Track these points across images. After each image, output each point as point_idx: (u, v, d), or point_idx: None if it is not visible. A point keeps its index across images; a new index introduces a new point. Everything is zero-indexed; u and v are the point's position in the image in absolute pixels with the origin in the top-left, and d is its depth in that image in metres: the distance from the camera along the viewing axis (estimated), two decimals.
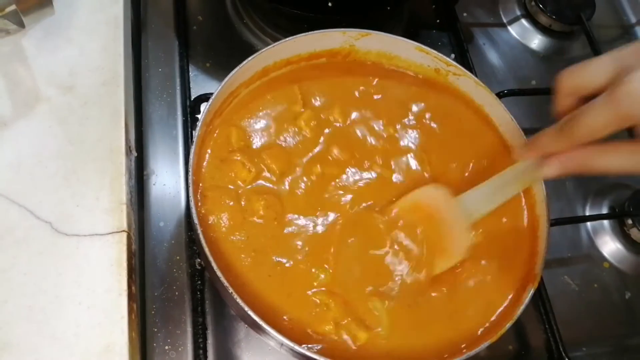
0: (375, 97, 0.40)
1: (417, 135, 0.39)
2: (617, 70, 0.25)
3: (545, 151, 0.28)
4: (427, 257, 0.32)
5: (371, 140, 0.38)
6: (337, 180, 0.36)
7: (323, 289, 0.33)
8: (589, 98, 0.26)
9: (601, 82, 0.25)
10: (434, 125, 0.40)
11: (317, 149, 0.37)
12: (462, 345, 0.32)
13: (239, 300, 0.29)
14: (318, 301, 0.32)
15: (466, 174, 0.37)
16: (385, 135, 0.38)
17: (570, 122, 0.26)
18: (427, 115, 0.40)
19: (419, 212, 0.33)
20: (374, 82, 0.40)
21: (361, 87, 0.40)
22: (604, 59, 0.26)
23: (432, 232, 0.33)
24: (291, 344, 0.28)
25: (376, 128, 0.38)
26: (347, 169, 0.36)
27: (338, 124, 0.38)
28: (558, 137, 0.26)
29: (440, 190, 0.33)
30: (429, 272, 0.33)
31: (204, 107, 0.34)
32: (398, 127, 0.39)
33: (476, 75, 0.40)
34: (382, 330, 0.32)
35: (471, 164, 0.38)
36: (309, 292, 0.33)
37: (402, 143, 0.38)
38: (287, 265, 0.33)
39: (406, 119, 0.39)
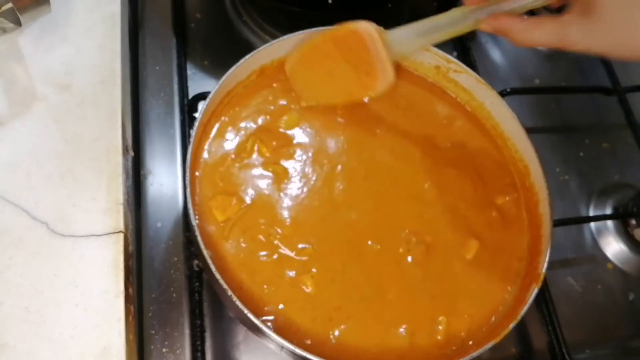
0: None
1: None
2: None
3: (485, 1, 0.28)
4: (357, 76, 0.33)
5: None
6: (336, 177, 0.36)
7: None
8: None
9: None
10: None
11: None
12: (465, 346, 0.32)
13: (237, 302, 0.28)
14: (317, 303, 0.32)
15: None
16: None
17: None
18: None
19: (355, 37, 0.33)
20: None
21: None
22: None
23: (363, 57, 0.33)
24: (292, 347, 0.28)
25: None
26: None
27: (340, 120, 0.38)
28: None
29: (371, 25, 0.33)
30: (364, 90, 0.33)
31: (201, 105, 0.34)
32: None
33: (479, 74, 0.39)
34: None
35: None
36: (307, 290, 0.32)
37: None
38: (287, 266, 0.33)
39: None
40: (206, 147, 0.35)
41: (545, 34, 0.26)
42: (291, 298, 0.32)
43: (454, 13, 0.30)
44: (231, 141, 0.36)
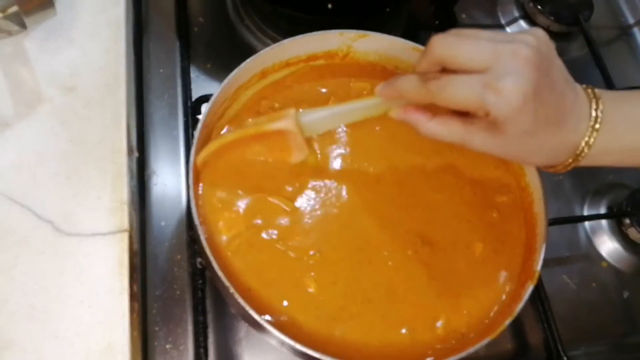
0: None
1: None
2: (491, 61, 0.25)
3: (402, 97, 0.29)
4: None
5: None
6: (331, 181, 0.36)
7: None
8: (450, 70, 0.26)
9: (473, 67, 0.25)
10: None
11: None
12: (460, 343, 0.33)
13: (239, 299, 0.29)
14: (320, 299, 0.33)
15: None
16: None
17: (437, 84, 0.26)
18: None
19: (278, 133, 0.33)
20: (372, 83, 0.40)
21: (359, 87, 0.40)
22: (482, 46, 0.25)
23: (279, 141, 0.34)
24: (292, 343, 0.29)
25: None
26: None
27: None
28: (420, 91, 0.27)
29: (294, 115, 0.33)
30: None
31: (204, 107, 0.34)
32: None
33: None
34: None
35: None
36: (310, 291, 0.33)
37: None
38: (289, 264, 0.33)
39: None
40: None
41: (450, 133, 0.28)
42: (294, 297, 0.32)
43: (368, 100, 0.31)
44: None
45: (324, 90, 0.39)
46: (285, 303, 0.32)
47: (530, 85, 0.25)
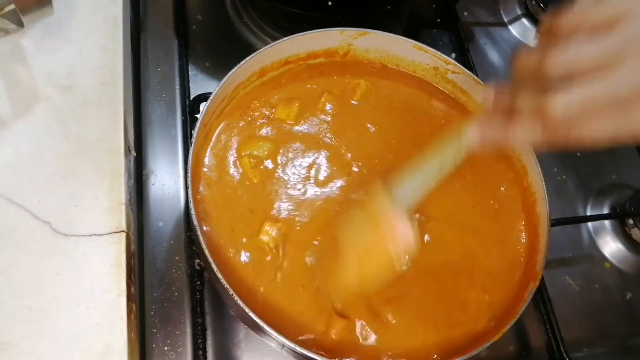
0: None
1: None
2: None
3: (487, 140, 0.27)
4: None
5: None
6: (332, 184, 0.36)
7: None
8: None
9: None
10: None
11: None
12: (464, 344, 0.32)
13: (239, 301, 0.29)
14: (319, 302, 0.32)
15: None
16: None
17: (514, 129, 0.25)
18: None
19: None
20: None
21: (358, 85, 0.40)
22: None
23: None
24: (292, 345, 0.28)
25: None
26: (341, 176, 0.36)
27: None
28: (498, 134, 0.26)
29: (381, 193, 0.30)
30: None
31: (203, 106, 0.34)
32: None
33: (477, 75, 0.40)
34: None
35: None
36: (309, 290, 0.33)
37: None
38: (294, 266, 0.33)
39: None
40: (209, 149, 0.36)
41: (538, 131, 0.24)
42: (292, 297, 0.32)
43: (446, 146, 0.29)
44: (232, 143, 0.36)
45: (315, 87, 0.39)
46: (281, 304, 0.32)
47: None
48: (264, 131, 0.37)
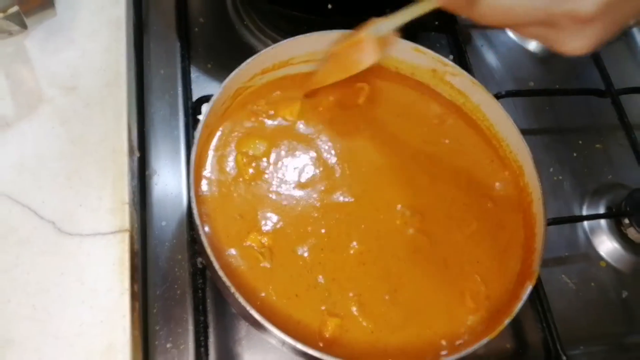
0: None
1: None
2: None
3: None
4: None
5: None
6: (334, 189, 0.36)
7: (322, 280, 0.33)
8: None
9: None
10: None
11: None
12: (460, 342, 0.33)
13: (240, 299, 0.29)
14: (319, 300, 0.33)
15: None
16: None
17: None
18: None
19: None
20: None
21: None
22: None
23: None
24: (293, 342, 0.29)
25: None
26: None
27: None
28: None
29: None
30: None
31: (205, 108, 0.34)
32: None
33: (474, 76, 0.40)
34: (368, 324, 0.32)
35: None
36: (311, 286, 0.33)
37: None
38: (290, 264, 0.34)
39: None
40: (210, 148, 0.36)
41: None
42: (292, 295, 0.33)
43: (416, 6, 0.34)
44: (232, 144, 0.37)
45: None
46: (283, 302, 0.32)
47: None
48: (263, 131, 0.38)
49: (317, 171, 0.37)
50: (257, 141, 0.37)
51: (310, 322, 0.32)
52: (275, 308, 0.32)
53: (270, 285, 0.33)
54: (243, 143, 0.37)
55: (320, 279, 0.33)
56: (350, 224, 0.35)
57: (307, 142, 0.38)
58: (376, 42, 0.35)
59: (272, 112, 0.38)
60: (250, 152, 0.36)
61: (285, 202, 0.35)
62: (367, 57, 0.36)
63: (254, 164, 0.36)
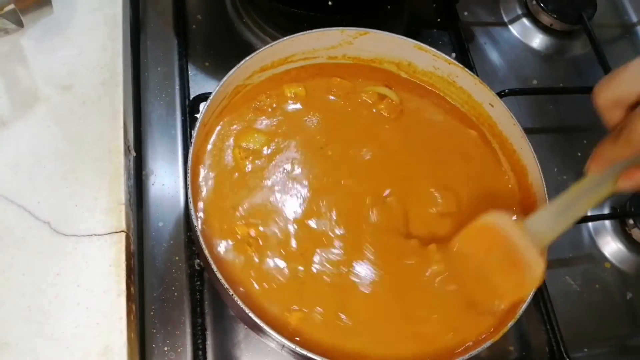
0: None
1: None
2: None
3: (608, 161, 0.27)
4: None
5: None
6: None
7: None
8: (635, 105, 0.26)
9: None
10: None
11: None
12: (464, 345, 0.32)
13: (239, 301, 0.29)
14: (318, 302, 0.32)
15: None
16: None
17: (625, 129, 0.25)
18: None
19: (483, 241, 0.32)
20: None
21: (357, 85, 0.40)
22: (637, 63, 0.25)
23: (500, 261, 0.31)
24: (292, 346, 0.28)
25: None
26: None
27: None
28: (616, 145, 0.26)
29: (504, 217, 0.31)
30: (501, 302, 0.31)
31: (203, 106, 0.34)
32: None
33: (477, 75, 0.40)
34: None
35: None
36: (309, 289, 0.32)
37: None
38: (287, 266, 0.33)
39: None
40: (208, 149, 0.36)
41: None
42: (291, 297, 0.32)
43: (585, 182, 0.29)
44: (229, 143, 0.36)
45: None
46: (281, 304, 0.32)
47: None
48: (261, 127, 0.37)
49: (314, 167, 0.36)
50: (255, 135, 0.36)
51: (310, 325, 0.32)
52: (275, 311, 0.32)
53: (269, 288, 0.32)
54: (242, 137, 0.36)
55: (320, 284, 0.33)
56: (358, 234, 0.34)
57: (305, 135, 0.37)
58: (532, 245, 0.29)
59: (275, 105, 0.38)
60: (251, 147, 0.36)
61: (284, 198, 0.35)
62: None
63: (252, 159, 0.36)
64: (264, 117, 0.38)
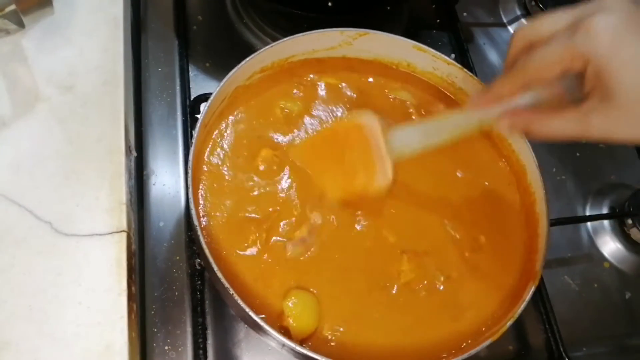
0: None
1: None
2: (575, 18, 0.24)
3: (495, 96, 0.27)
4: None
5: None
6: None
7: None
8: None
9: (557, 29, 0.24)
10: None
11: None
12: (463, 344, 0.32)
13: (239, 301, 0.29)
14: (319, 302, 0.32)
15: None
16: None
17: (524, 59, 0.26)
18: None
19: (356, 132, 0.32)
20: (370, 80, 0.40)
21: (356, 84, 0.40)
22: (561, 11, 0.25)
23: (362, 154, 0.32)
24: (292, 345, 0.28)
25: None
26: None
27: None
28: (511, 75, 0.26)
29: (375, 119, 0.32)
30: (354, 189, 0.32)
31: (203, 107, 0.34)
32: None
33: (476, 75, 0.40)
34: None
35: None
36: (311, 290, 0.33)
37: None
38: (290, 267, 0.33)
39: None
40: (208, 149, 0.36)
41: (565, 122, 0.25)
42: (292, 297, 0.32)
43: (457, 115, 0.29)
44: (231, 143, 0.36)
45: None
46: (283, 304, 0.32)
47: (619, 18, 0.23)
48: (262, 131, 0.37)
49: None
50: (257, 142, 0.36)
51: (310, 324, 0.32)
52: (276, 310, 0.32)
53: (269, 287, 0.32)
54: (243, 143, 0.36)
55: (322, 285, 0.33)
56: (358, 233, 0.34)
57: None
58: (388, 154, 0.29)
59: (274, 109, 0.38)
60: (252, 152, 0.36)
61: (286, 197, 0.35)
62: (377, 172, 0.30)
63: (255, 159, 0.36)
64: (265, 119, 0.37)
